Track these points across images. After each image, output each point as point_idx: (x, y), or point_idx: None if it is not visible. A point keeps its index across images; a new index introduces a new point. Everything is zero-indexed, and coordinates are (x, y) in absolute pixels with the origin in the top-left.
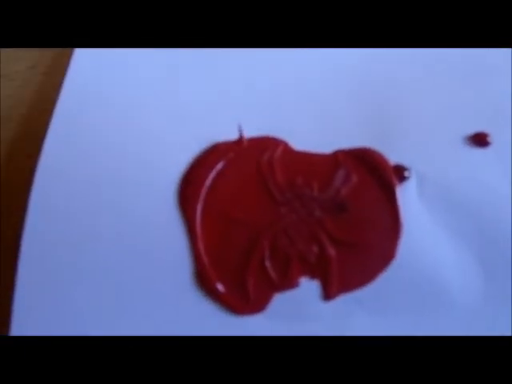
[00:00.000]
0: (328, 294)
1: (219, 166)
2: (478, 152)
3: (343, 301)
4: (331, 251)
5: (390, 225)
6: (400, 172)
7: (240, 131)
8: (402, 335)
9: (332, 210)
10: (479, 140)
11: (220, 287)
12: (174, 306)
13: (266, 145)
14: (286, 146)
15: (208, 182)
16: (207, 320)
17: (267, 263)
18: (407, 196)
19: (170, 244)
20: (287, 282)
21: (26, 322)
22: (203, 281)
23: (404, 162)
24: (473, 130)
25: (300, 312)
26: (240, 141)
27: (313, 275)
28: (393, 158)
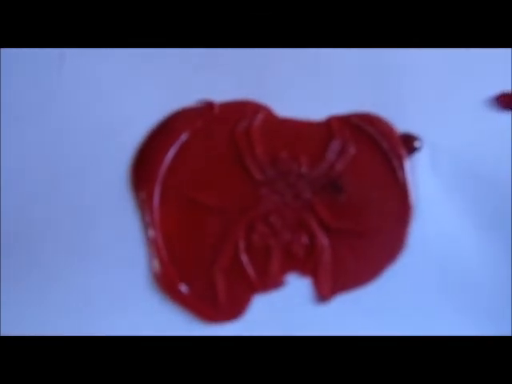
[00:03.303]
0: (321, 295)
1: (183, 137)
2: (503, 116)
3: (340, 302)
4: (324, 241)
5: (398, 207)
6: (409, 142)
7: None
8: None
9: (324, 190)
10: (505, 102)
11: (183, 288)
12: (129, 312)
13: (242, 111)
14: (267, 112)
15: (168, 158)
16: (169, 329)
17: (243, 257)
18: (418, 171)
19: (121, 235)
20: (269, 281)
21: None
22: (163, 280)
23: (413, 130)
24: (497, 90)
25: (287, 318)
26: (210, 106)
27: (302, 271)
28: (400, 126)
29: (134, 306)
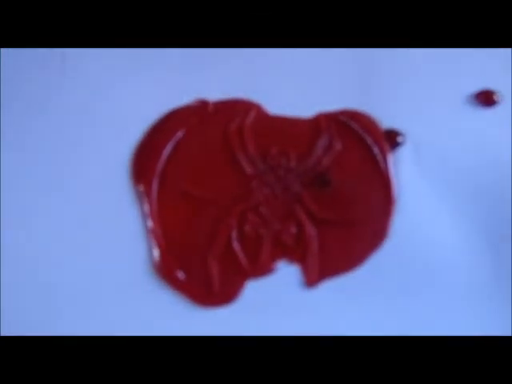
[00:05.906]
0: (309, 281)
1: (179, 134)
2: (483, 113)
3: (327, 288)
4: (311, 231)
5: (381, 199)
6: (392, 137)
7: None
8: (401, 335)
9: (312, 183)
10: (485, 98)
11: (180, 275)
12: (128, 298)
13: (235, 109)
14: (259, 109)
15: (166, 153)
16: (167, 313)
17: (235, 246)
18: (401, 165)
19: (122, 226)
20: (260, 268)
21: None
22: (161, 268)
23: (397, 126)
24: (477, 87)
25: (277, 302)
26: (204, 104)
27: (291, 259)
28: (384, 122)
29: (133, 292)
